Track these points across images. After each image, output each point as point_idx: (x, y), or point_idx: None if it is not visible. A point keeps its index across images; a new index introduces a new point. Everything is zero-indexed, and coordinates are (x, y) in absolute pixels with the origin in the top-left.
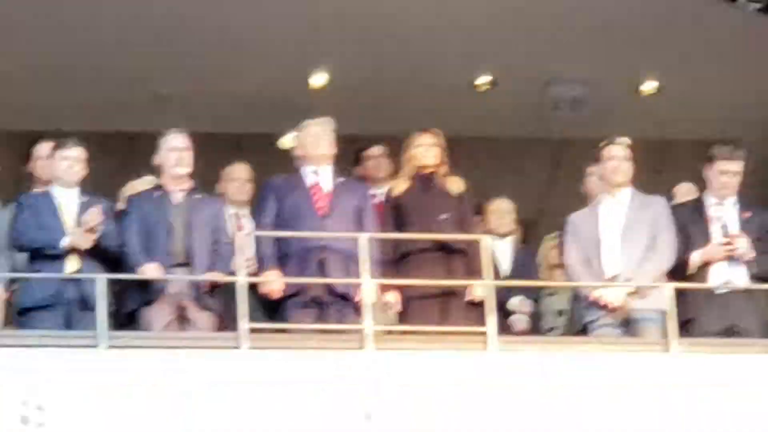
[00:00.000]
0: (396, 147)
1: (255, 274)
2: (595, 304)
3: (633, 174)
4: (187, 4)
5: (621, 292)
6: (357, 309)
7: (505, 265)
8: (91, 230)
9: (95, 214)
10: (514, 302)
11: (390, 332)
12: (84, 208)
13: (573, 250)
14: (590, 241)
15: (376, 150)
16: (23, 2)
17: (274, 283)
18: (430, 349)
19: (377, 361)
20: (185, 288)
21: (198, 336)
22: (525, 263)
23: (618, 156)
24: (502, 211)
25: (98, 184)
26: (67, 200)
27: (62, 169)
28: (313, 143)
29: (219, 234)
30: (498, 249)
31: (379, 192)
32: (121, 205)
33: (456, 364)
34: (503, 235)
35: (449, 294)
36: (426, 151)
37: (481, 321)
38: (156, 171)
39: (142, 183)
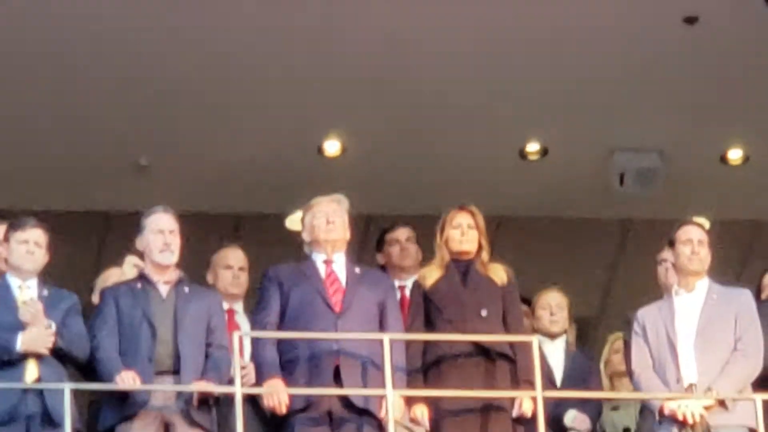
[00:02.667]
0: (426, 228)
1: (256, 384)
2: (670, 420)
3: (713, 261)
4: (173, 55)
5: (700, 404)
6: (379, 426)
7: (558, 371)
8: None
9: (32, 307)
10: (569, 418)
11: None
12: (46, 303)
13: (641, 353)
14: (662, 343)
15: (401, 232)
16: None
17: (279, 394)
18: None
19: None
20: (171, 400)
21: None
22: (582, 370)
23: (695, 239)
24: (553, 305)
25: (64, 274)
26: (25, 293)
27: (19, 254)
28: (324, 226)
29: (212, 335)
30: (548, 352)
31: (406, 284)
32: (95, 299)
33: None
34: (555, 335)
35: (491, 408)
36: (463, 233)
37: None
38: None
39: (123, 269)
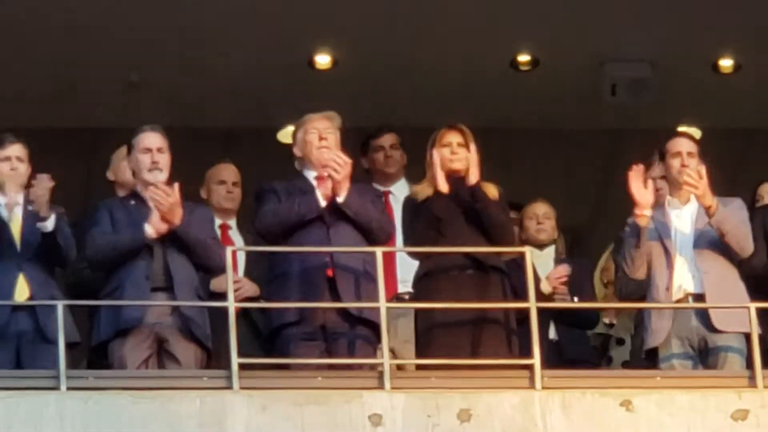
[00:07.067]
0: (417, 140)
1: (248, 299)
2: None
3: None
4: None
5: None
6: (374, 337)
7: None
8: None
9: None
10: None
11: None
12: (31, 216)
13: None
14: (655, 254)
15: (386, 139)
16: None
17: None
18: (462, 388)
19: (396, 402)
20: (165, 317)
21: (181, 374)
22: (572, 277)
23: (684, 151)
24: (539, 215)
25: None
26: (11, 209)
27: (2, 172)
28: (317, 142)
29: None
30: (538, 262)
31: (390, 189)
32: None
33: (494, 405)
34: (543, 245)
35: (484, 320)
36: (453, 151)
37: (522, 352)
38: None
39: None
